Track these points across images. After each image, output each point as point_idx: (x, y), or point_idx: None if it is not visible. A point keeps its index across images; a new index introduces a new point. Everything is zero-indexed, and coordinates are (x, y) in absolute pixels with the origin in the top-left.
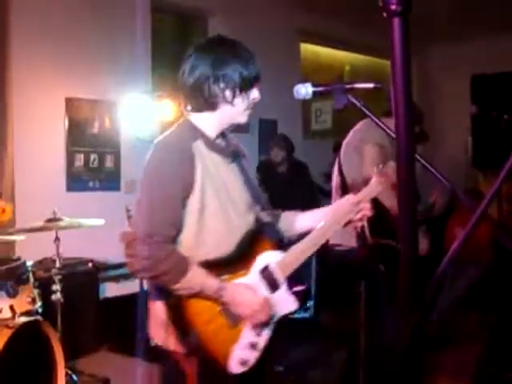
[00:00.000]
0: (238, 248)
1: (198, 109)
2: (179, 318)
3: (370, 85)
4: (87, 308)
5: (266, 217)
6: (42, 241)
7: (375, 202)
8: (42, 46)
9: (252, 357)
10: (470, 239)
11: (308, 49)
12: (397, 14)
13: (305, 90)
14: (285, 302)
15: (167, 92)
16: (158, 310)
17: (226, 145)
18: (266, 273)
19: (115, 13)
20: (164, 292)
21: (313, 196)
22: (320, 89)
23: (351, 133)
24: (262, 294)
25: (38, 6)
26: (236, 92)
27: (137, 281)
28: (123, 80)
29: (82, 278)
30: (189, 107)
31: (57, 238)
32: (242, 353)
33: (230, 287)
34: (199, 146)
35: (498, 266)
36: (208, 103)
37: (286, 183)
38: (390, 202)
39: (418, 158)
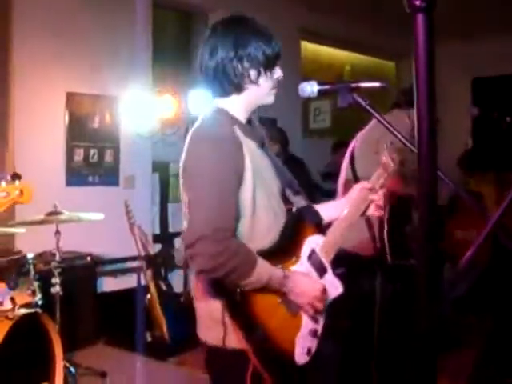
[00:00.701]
0: (282, 236)
1: (224, 93)
2: (243, 315)
3: (376, 84)
4: (85, 301)
5: (300, 201)
6: (41, 234)
7: (394, 224)
8: (43, 40)
9: (313, 344)
10: (468, 241)
11: (308, 48)
12: (421, 10)
13: (310, 89)
14: (333, 286)
15: (168, 88)
16: (212, 310)
17: (255, 129)
18: (313, 258)
19: (116, 8)
20: (222, 291)
21: (310, 192)
22: (326, 87)
23: (367, 129)
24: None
25: (40, 1)
26: (261, 71)
27: (134, 276)
28: (124, 75)
29: (81, 271)
30: (214, 93)
31: (57, 232)
32: (306, 341)
33: (292, 276)
34: (238, 133)
35: (495, 268)
36: (234, 85)
37: None
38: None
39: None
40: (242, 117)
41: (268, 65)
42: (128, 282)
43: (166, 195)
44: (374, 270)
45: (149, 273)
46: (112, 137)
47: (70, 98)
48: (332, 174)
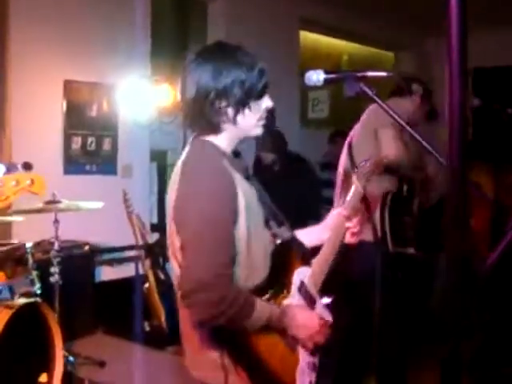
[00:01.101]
0: (271, 270)
1: (201, 133)
2: (246, 357)
3: (383, 73)
4: (83, 291)
5: (284, 232)
6: (38, 223)
7: (394, 212)
8: (41, 28)
9: (313, 378)
10: (468, 230)
11: (307, 37)
12: None
13: (316, 77)
14: (323, 316)
15: (166, 76)
16: (211, 361)
17: (240, 161)
18: (302, 290)
19: None
20: (221, 339)
21: (315, 192)
22: (332, 76)
23: (364, 119)
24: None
25: None
26: (239, 108)
27: (132, 265)
28: (122, 63)
29: (79, 260)
30: (194, 130)
31: (56, 221)
32: (305, 376)
33: (289, 311)
34: (227, 166)
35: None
36: (212, 125)
37: (281, 182)
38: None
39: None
40: (227, 149)
41: (249, 99)
42: (126, 271)
43: (163, 184)
44: (375, 257)
45: (147, 262)
46: (110, 125)
47: (68, 85)
48: (330, 164)
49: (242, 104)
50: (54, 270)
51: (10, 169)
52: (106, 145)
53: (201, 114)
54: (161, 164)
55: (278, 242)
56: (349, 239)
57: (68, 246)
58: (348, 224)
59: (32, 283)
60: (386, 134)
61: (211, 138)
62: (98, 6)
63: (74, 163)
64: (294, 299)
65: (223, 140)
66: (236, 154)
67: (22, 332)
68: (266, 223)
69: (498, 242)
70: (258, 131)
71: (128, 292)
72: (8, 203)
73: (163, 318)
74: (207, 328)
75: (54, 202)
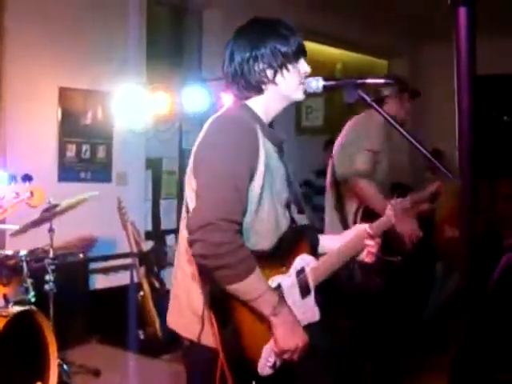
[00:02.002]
0: (279, 244)
1: (245, 95)
2: (222, 309)
3: (381, 80)
4: (78, 299)
5: (302, 220)
6: (33, 230)
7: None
8: (36, 35)
9: (279, 361)
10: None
11: None
12: (462, 3)
13: (315, 84)
14: (311, 311)
15: (161, 84)
16: (193, 301)
17: (275, 133)
18: (301, 276)
19: (110, 3)
20: (211, 279)
21: None
22: (331, 83)
23: (348, 128)
24: (295, 297)
25: None
26: (277, 70)
27: (127, 273)
28: (117, 71)
29: (73, 268)
30: (237, 96)
31: (51, 229)
32: (271, 355)
33: (287, 310)
34: (258, 131)
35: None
36: (252, 87)
37: None
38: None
39: (424, 151)
40: (264, 118)
41: (287, 62)
42: (121, 279)
43: (158, 192)
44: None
45: (141, 270)
46: (105, 133)
47: (63, 93)
48: (325, 172)
49: (279, 65)
50: (49, 278)
51: (10, 180)
52: (101, 152)
53: (242, 78)
54: (156, 172)
55: (294, 226)
56: (364, 257)
57: (63, 254)
58: (368, 242)
59: (26, 291)
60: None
61: (251, 102)
62: (93, 13)
63: (68, 171)
64: (289, 278)
65: (262, 104)
66: (272, 125)
67: (16, 340)
68: (287, 205)
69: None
70: (299, 95)
71: (122, 300)
72: (5, 216)
73: (158, 326)
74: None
75: (50, 208)
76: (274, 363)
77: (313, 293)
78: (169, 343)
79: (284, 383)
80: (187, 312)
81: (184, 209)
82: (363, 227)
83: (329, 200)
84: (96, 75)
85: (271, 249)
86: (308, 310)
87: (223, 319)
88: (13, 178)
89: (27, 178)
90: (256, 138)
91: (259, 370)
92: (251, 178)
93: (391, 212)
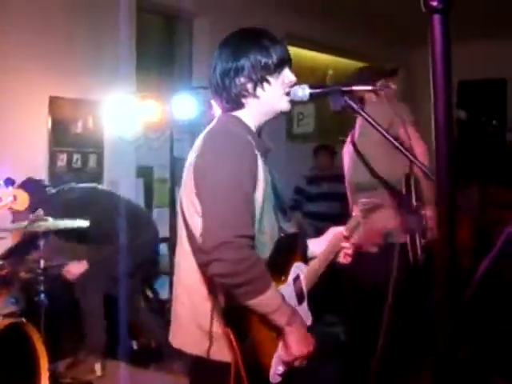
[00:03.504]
0: (275, 253)
1: (227, 108)
2: (238, 323)
3: (368, 87)
4: (69, 309)
5: (289, 227)
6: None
7: None
8: (26, 44)
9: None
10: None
11: (292, 51)
12: (437, 10)
13: (302, 92)
14: (304, 317)
15: (151, 92)
16: (199, 317)
17: (263, 143)
18: (297, 283)
19: (100, 12)
20: (224, 297)
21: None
22: (317, 90)
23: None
24: (295, 304)
25: (24, 5)
26: (257, 83)
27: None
28: (107, 80)
29: (64, 279)
30: (221, 109)
31: (41, 238)
32: (279, 364)
33: (299, 318)
34: (252, 141)
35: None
36: (233, 100)
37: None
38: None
39: (418, 163)
40: (252, 126)
41: (266, 75)
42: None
43: (150, 200)
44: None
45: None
46: (95, 142)
47: (53, 102)
48: (316, 178)
49: (259, 79)
50: (40, 288)
51: None
52: (92, 161)
53: (223, 89)
54: (147, 180)
55: (283, 234)
56: (342, 259)
57: (53, 265)
58: (344, 244)
59: (16, 303)
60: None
61: (238, 113)
62: (83, 22)
63: (59, 180)
64: (288, 288)
65: (247, 116)
66: (260, 134)
67: (6, 353)
68: (275, 213)
69: (482, 255)
70: (284, 106)
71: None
72: None
73: (151, 336)
74: (212, 281)
75: (39, 220)
76: (283, 371)
77: (306, 299)
78: (162, 353)
79: None
80: (192, 328)
81: (182, 224)
82: (339, 230)
83: None
84: (86, 84)
85: (269, 259)
86: (303, 316)
87: (241, 334)
88: None
89: (10, 182)
90: (253, 149)
91: (271, 379)
92: (254, 188)
93: (358, 213)
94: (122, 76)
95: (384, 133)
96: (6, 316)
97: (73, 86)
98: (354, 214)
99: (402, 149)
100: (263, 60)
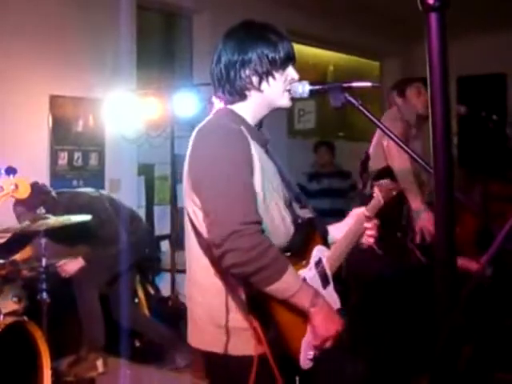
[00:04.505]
0: (294, 238)
1: (229, 100)
2: (261, 310)
3: (368, 84)
4: (71, 307)
5: (307, 214)
6: None
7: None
8: (26, 43)
9: (317, 352)
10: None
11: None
12: (434, 9)
13: (302, 89)
14: (332, 300)
15: (152, 90)
16: (214, 313)
17: (260, 133)
18: (320, 267)
19: (100, 10)
20: (243, 286)
21: None
22: (317, 87)
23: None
24: (319, 288)
25: (24, 4)
26: (263, 77)
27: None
28: (108, 78)
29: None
30: (221, 101)
31: (43, 237)
32: (309, 348)
33: (322, 299)
34: (245, 132)
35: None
36: (237, 92)
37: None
38: None
39: (419, 159)
40: (251, 121)
41: (272, 69)
42: None
43: (151, 198)
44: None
45: (136, 277)
46: (96, 140)
47: (54, 100)
48: (316, 174)
49: (265, 72)
50: (43, 287)
51: None
52: (93, 160)
53: (227, 81)
54: (148, 178)
55: (299, 220)
56: (366, 239)
57: (55, 263)
58: (367, 224)
59: (19, 301)
60: (391, 145)
61: (236, 107)
62: (83, 20)
63: (60, 179)
64: (310, 272)
65: (246, 108)
66: (259, 127)
67: (8, 351)
68: (289, 203)
69: (484, 250)
70: (285, 102)
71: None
72: None
73: None
74: (229, 273)
75: (41, 218)
76: (314, 355)
77: (331, 282)
78: (164, 350)
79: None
80: (209, 327)
81: (188, 224)
82: (361, 211)
83: None
84: (87, 82)
85: (286, 245)
86: (330, 299)
87: (265, 322)
88: None
89: (11, 170)
90: (244, 137)
91: (301, 364)
92: (252, 175)
93: (378, 193)
94: (123, 74)
95: (384, 129)
96: (8, 314)
97: (73, 85)
98: (374, 194)
99: (404, 146)
100: (271, 54)
